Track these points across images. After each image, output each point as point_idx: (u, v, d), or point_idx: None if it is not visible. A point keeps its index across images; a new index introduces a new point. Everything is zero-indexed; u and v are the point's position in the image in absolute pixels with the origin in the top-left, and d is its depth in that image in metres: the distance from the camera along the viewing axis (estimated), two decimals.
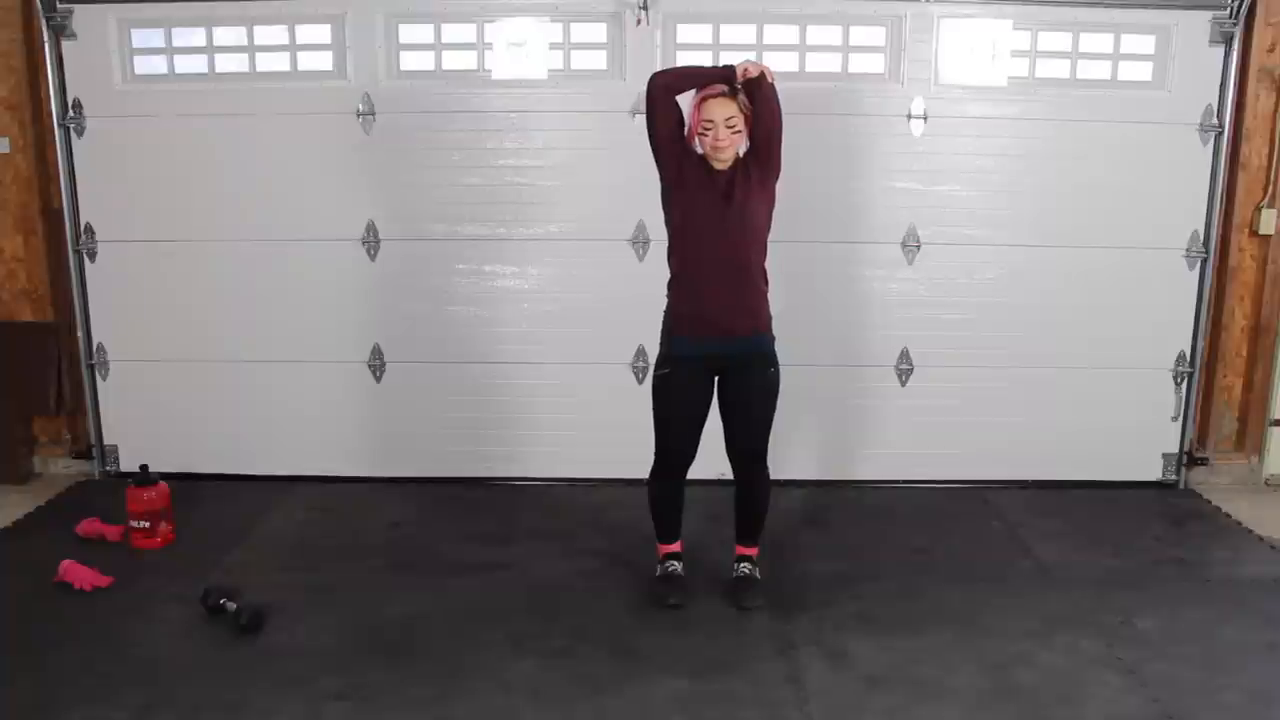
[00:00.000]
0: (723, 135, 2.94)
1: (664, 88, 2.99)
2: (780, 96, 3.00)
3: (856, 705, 2.69)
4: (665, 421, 3.16)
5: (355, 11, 3.98)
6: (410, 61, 4.07)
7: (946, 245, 4.13)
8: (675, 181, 3.03)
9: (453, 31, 4.04)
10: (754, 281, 3.06)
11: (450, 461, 4.28)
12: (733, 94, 2.95)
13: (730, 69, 2.96)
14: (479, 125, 4.05)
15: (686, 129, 3.03)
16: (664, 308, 3.14)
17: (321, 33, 4.04)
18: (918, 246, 4.12)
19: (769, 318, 3.11)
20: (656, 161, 3.04)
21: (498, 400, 4.24)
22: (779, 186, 3.14)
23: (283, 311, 4.20)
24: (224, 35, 4.06)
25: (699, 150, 3.02)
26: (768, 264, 3.09)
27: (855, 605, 3.22)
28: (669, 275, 3.11)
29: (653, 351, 3.21)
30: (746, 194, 2.99)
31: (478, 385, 4.23)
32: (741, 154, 3.03)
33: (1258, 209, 4.16)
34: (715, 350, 3.06)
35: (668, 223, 3.10)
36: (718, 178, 2.99)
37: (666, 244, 3.12)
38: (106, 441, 4.34)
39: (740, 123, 2.97)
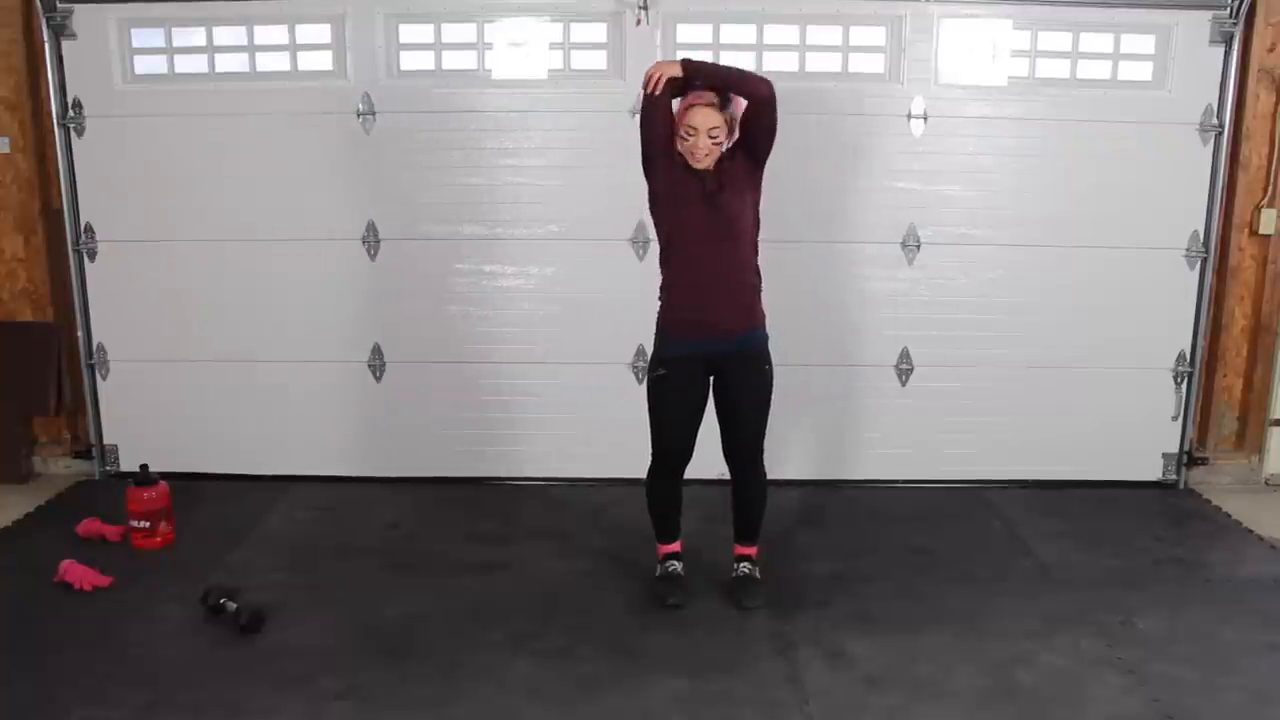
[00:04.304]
0: (702, 144, 2.94)
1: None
2: (780, 96, 2.98)
3: (856, 705, 2.69)
4: (662, 422, 3.16)
5: (355, 11, 3.98)
6: (410, 61, 4.07)
7: (946, 245, 4.12)
8: (665, 188, 3.02)
9: (453, 31, 4.04)
10: (747, 280, 3.07)
11: (450, 461, 4.28)
12: (721, 105, 2.94)
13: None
14: (479, 125, 4.05)
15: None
16: (658, 309, 3.14)
17: (321, 33, 4.04)
18: (918, 246, 4.12)
19: (763, 314, 3.12)
20: (646, 164, 3.04)
21: (498, 400, 4.24)
22: (779, 186, 3.14)
23: (283, 311, 4.20)
24: (224, 35, 4.06)
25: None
26: (760, 261, 3.10)
27: (855, 605, 3.22)
28: (662, 279, 3.11)
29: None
30: (735, 193, 2.99)
31: (478, 385, 4.23)
32: (730, 143, 3.02)
33: (1258, 209, 4.16)
34: (711, 349, 3.06)
35: (658, 230, 3.11)
36: (707, 176, 2.98)
37: (659, 251, 3.12)
38: (106, 441, 4.34)
39: (723, 134, 2.96)
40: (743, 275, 3.06)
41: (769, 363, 3.13)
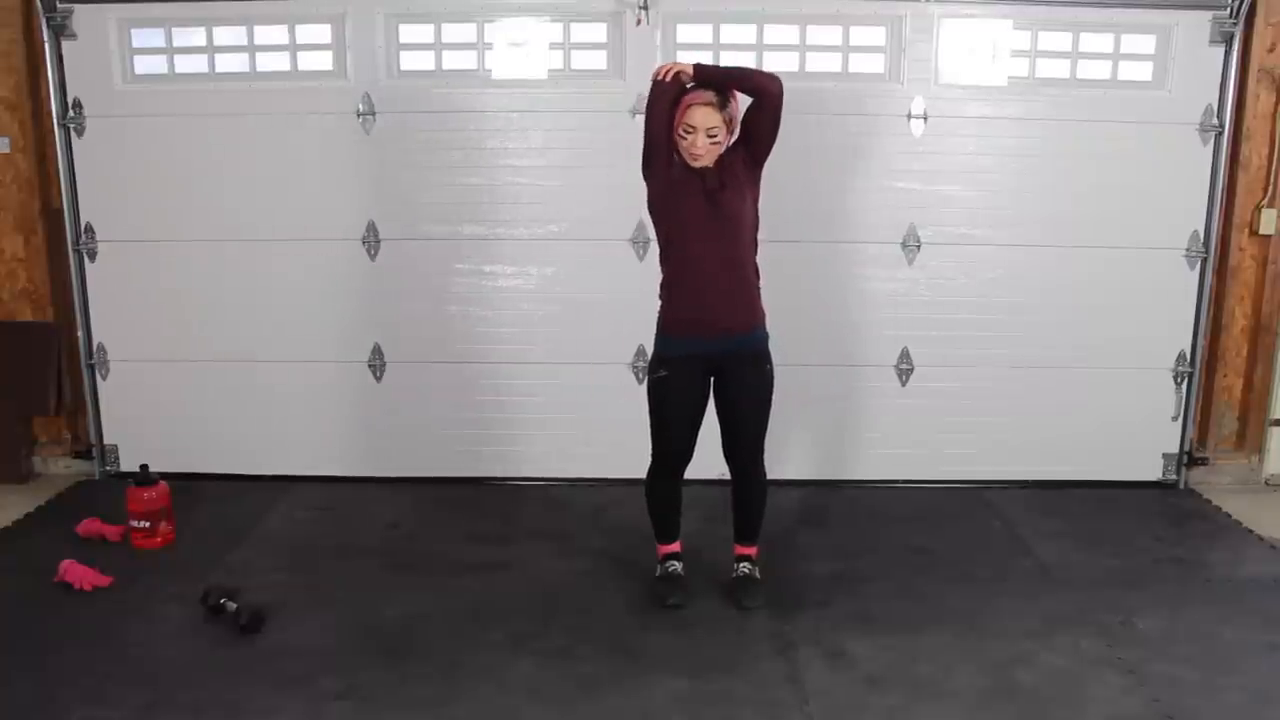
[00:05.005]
0: (701, 143, 2.94)
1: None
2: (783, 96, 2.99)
3: (856, 705, 2.69)
4: (663, 423, 3.16)
5: (355, 11, 3.98)
6: (410, 61, 4.07)
7: (946, 245, 4.12)
8: (665, 186, 3.02)
9: (453, 31, 4.04)
10: (747, 278, 3.07)
11: (450, 461, 4.28)
12: (721, 105, 2.94)
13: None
14: (479, 125, 4.05)
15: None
16: (658, 309, 3.14)
17: (321, 33, 4.04)
18: (918, 246, 4.12)
19: (764, 313, 3.11)
20: (646, 165, 3.03)
21: (498, 400, 4.24)
22: (779, 186, 3.14)
23: (283, 311, 4.20)
24: (224, 35, 4.06)
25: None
26: (760, 261, 3.10)
27: (855, 605, 3.22)
28: (661, 278, 3.11)
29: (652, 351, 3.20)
30: (735, 191, 2.98)
31: (478, 385, 4.23)
32: (731, 142, 3.02)
33: (1258, 209, 4.16)
34: (713, 349, 3.06)
35: (657, 229, 3.11)
36: (706, 174, 2.98)
37: (659, 250, 3.11)
38: (106, 441, 4.34)
39: (722, 134, 2.96)
40: (743, 274, 3.05)
41: (770, 362, 3.13)
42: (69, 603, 3.20)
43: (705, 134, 2.93)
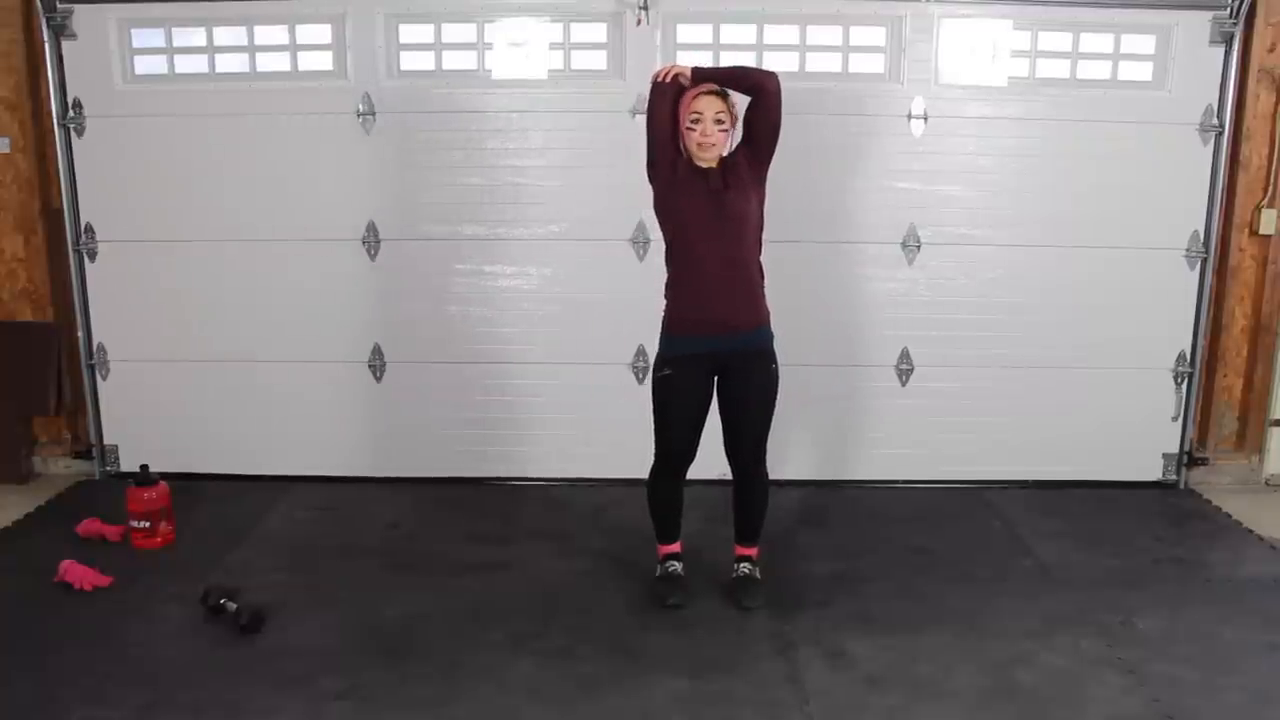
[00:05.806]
0: (710, 130, 2.95)
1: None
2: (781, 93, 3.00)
3: (856, 705, 2.69)
4: (666, 423, 3.16)
5: (355, 11, 3.98)
6: (410, 61, 4.07)
7: (946, 245, 4.13)
8: (669, 187, 3.03)
9: (453, 31, 4.04)
10: (751, 277, 3.07)
11: (450, 461, 4.28)
12: (723, 94, 2.97)
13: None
14: (479, 125, 4.05)
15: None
16: (663, 308, 3.14)
17: (321, 33, 4.04)
18: (918, 246, 4.12)
19: (768, 312, 3.11)
20: (650, 167, 3.05)
21: (498, 400, 4.24)
22: (779, 186, 3.14)
23: (283, 311, 4.20)
24: (224, 35, 4.06)
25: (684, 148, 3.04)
26: (763, 260, 3.10)
27: (855, 605, 3.22)
28: (667, 277, 3.11)
29: (653, 351, 3.20)
30: (739, 192, 3.00)
31: (478, 385, 4.23)
32: (733, 147, 3.05)
33: (1258, 209, 4.16)
34: (718, 347, 3.06)
35: (663, 229, 3.11)
36: (711, 174, 3.00)
37: (664, 249, 3.12)
38: (106, 441, 4.34)
39: (728, 120, 2.99)
40: (748, 273, 3.06)
41: (775, 361, 3.13)
42: (69, 603, 3.20)
43: (713, 120, 2.95)
